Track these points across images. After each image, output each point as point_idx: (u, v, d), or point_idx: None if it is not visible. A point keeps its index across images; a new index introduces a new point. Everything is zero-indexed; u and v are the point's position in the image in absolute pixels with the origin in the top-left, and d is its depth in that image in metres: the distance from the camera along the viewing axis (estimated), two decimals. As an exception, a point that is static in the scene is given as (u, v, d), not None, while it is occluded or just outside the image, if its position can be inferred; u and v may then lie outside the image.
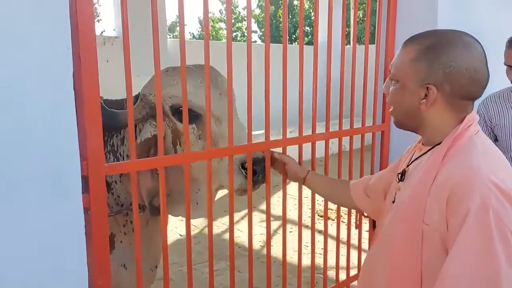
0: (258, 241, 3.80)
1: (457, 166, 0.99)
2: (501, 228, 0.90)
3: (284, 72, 1.59)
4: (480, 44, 1.06)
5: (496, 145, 1.97)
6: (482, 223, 0.91)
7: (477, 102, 2.08)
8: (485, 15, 2.19)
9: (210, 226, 1.47)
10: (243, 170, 1.54)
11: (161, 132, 1.31)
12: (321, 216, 4.41)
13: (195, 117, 1.53)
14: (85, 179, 1.13)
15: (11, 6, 0.91)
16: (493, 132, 1.98)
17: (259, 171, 1.55)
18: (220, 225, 4.31)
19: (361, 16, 13.99)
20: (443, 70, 1.01)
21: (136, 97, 1.56)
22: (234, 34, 22.19)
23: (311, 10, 20.03)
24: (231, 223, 1.56)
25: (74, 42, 1.07)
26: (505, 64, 1.86)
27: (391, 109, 1.15)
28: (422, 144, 1.14)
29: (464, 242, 0.92)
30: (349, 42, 8.47)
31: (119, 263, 1.66)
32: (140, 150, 1.48)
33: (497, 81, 2.02)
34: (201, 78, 1.52)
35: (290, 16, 17.71)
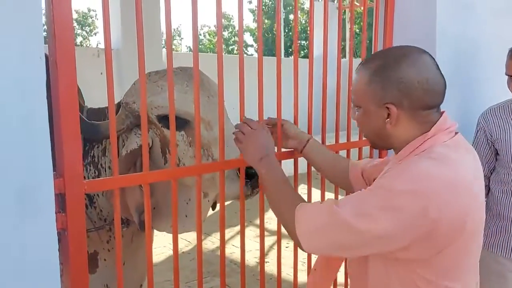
0: (253, 257, 3.70)
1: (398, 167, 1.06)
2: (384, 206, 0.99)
3: (278, 85, 1.51)
4: (429, 54, 1.10)
5: (497, 159, 1.92)
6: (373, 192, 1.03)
7: (474, 113, 2.06)
8: (484, 25, 2.14)
9: (199, 242, 1.38)
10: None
11: (146, 145, 1.22)
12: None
13: (183, 123, 1.44)
14: (61, 197, 1.05)
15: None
16: (494, 146, 1.90)
17: (256, 174, 1.44)
18: (215, 240, 4.21)
19: (357, 31, 14.04)
20: (396, 87, 1.06)
21: (118, 105, 1.48)
22: (231, 47, 22.29)
23: (307, 24, 20.17)
24: (222, 239, 1.47)
25: (52, 52, 1.00)
26: (506, 74, 1.79)
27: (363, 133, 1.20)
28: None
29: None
30: (345, 55, 8.46)
31: (103, 283, 1.57)
32: (125, 163, 1.39)
33: (498, 92, 1.97)
34: (187, 81, 1.44)
35: (287, 30, 17.80)
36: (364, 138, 1.88)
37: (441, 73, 1.10)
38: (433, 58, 1.10)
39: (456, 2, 1.99)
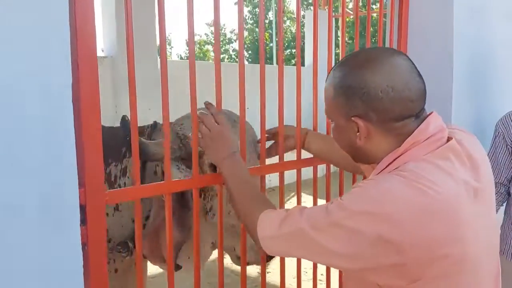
0: (254, 267, 3.62)
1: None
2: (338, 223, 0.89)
3: (262, 92, 1.42)
4: (403, 56, 0.97)
5: None
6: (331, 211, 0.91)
7: (489, 120, 2.03)
8: (499, 28, 2.13)
9: (196, 255, 1.31)
10: None
11: (168, 153, 1.16)
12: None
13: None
14: (82, 209, 0.98)
15: (10, 12, 0.78)
16: None
17: None
18: (214, 251, 4.12)
19: (347, 39, 14.13)
20: (359, 99, 0.94)
21: (153, 125, 1.42)
22: (222, 56, 22.28)
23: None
24: (220, 250, 1.42)
25: (73, 55, 0.94)
26: None
27: None
28: None
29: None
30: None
31: None
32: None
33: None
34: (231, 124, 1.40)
35: (277, 39, 17.85)
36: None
37: (418, 76, 0.95)
38: (409, 60, 0.96)
39: (471, 5, 1.96)
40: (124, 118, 1.32)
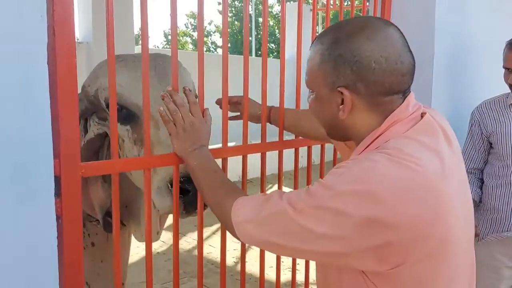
0: (231, 257, 3.61)
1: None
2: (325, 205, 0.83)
3: (245, 83, 1.36)
4: (396, 28, 0.90)
5: (491, 153, 1.92)
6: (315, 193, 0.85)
7: (467, 107, 2.07)
8: (480, 19, 2.15)
9: (175, 242, 1.24)
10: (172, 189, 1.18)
11: (115, 134, 1.07)
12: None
13: (129, 116, 1.26)
14: (56, 181, 0.93)
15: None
16: (488, 140, 1.90)
17: (193, 191, 1.18)
18: (191, 240, 4.09)
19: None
20: (350, 68, 0.87)
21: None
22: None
23: (275, 28, 20.32)
24: (200, 239, 1.30)
25: (49, 13, 0.89)
26: (504, 67, 1.80)
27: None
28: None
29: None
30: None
31: None
32: (85, 151, 1.26)
33: (493, 85, 1.98)
34: (153, 72, 1.26)
35: (256, 33, 17.84)
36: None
37: (409, 50, 0.90)
38: (401, 33, 0.91)
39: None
40: None
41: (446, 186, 0.85)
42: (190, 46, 22.43)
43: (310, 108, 0.99)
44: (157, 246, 3.91)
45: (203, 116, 1.20)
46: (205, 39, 22.45)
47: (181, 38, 22.95)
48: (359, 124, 0.92)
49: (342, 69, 0.88)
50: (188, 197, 1.18)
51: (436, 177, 0.84)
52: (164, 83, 1.24)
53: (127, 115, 1.26)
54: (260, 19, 18.51)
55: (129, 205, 1.41)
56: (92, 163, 1.02)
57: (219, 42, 21.86)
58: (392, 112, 0.90)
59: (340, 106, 0.90)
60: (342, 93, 0.89)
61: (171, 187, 1.16)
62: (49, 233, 0.86)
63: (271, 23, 16.70)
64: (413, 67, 0.91)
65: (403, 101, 0.91)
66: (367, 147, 0.91)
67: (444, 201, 0.84)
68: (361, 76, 0.87)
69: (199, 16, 1.24)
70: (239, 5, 22.01)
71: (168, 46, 21.91)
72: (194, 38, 22.15)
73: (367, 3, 1.92)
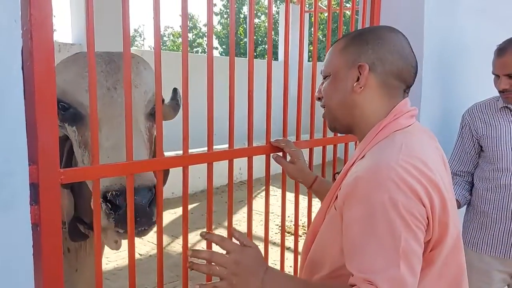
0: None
1: (366, 162, 0.96)
2: (407, 218, 0.88)
3: (231, 84, 1.36)
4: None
5: (481, 156, 1.91)
6: (391, 218, 0.87)
7: (457, 109, 2.06)
8: (469, 22, 2.15)
9: (159, 244, 1.22)
10: (104, 204, 1.06)
11: (95, 138, 1.02)
12: (289, 233, 4.26)
13: (75, 116, 1.18)
14: (34, 187, 0.92)
15: None
16: (478, 142, 1.89)
17: (124, 208, 1.05)
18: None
19: (320, 37, 14.26)
20: (372, 48, 1.03)
21: None
22: (195, 49, 22.06)
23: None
24: (185, 240, 1.29)
25: (24, 17, 0.87)
26: (493, 73, 1.79)
27: (323, 111, 1.12)
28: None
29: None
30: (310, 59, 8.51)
31: None
32: None
33: (483, 88, 1.97)
34: (104, 67, 1.20)
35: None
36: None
37: (413, 53, 1.08)
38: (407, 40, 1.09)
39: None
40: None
41: (441, 183, 0.95)
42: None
43: (325, 94, 1.09)
44: (149, 249, 3.89)
45: (239, 241, 1.04)
46: (200, 40, 22.43)
47: (177, 39, 22.90)
48: (365, 105, 1.04)
49: (364, 49, 1.03)
50: (118, 215, 1.05)
51: (434, 172, 0.95)
52: (111, 80, 1.19)
53: (73, 115, 1.19)
54: (257, 20, 18.50)
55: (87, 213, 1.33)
56: (72, 170, 1.00)
57: (215, 43, 21.85)
58: (395, 106, 1.03)
59: (355, 84, 1.03)
60: (360, 68, 1.02)
61: (103, 201, 1.06)
62: (24, 243, 0.83)
63: (267, 25, 16.66)
64: (416, 70, 1.07)
65: (403, 98, 1.06)
66: (373, 138, 1.01)
67: (443, 197, 0.95)
68: (380, 54, 1.02)
69: (183, 17, 1.23)
70: (235, 6, 21.99)
71: (163, 48, 21.84)
72: (189, 39, 22.08)
73: (357, 6, 1.91)
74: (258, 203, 5.00)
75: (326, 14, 8.57)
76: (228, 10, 22.08)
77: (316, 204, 1.45)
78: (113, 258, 3.64)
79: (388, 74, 1.02)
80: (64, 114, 1.21)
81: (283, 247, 1.70)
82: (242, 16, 19.18)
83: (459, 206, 1.90)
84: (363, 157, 1.00)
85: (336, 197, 1.01)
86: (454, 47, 2.09)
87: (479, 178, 1.89)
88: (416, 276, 0.89)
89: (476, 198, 1.89)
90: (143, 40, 25.09)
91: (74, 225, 1.32)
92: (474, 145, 1.90)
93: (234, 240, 1.06)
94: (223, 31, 21.05)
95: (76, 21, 5.75)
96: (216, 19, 21.03)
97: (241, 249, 1.01)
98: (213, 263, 0.99)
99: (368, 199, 0.90)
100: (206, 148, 1.30)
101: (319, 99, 1.14)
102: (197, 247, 3.90)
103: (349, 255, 0.92)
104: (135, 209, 1.04)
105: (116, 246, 1.22)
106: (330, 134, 1.74)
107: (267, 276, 0.98)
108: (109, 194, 1.05)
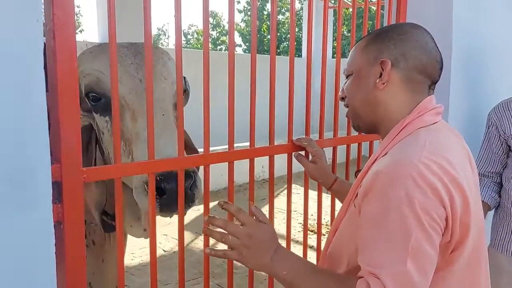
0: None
1: (388, 159, 0.94)
2: (422, 218, 0.86)
3: (252, 81, 1.33)
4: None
5: (510, 156, 1.84)
6: (404, 215, 0.85)
7: (486, 107, 1.99)
8: (497, 19, 2.08)
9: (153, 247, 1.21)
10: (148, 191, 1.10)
11: (117, 134, 1.02)
12: (312, 231, 4.23)
13: (108, 106, 1.14)
14: (58, 186, 0.93)
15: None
16: (506, 143, 1.82)
17: (171, 192, 1.09)
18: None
19: (345, 32, 14.10)
20: (394, 44, 1.01)
21: None
22: (219, 47, 22.17)
23: (296, 24, 20.17)
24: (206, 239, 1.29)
25: (47, 17, 0.88)
26: None
27: (347, 111, 1.11)
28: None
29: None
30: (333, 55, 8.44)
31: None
32: None
33: (510, 86, 1.90)
34: (133, 57, 1.20)
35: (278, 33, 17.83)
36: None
37: (438, 48, 1.05)
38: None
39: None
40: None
41: (465, 183, 0.92)
42: (210, 45, 22.50)
43: (348, 92, 1.08)
44: (173, 245, 3.93)
45: (254, 217, 1.04)
46: (223, 38, 22.50)
47: (200, 37, 23.07)
48: (389, 101, 1.01)
49: (386, 45, 1.01)
50: (163, 199, 1.10)
51: (459, 172, 0.93)
52: (141, 71, 1.20)
53: (106, 105, 1.17)
54: (280, 17, 18.45)
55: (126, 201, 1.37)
56: (94, 168, 1.01)
57: (238, 40, 21.91)
58: (419, 103, 1.00)
59: (378, 80, 1.01)
60: (382, 64, 1.00)
61: (147, 187, 1.09)
62: (47, 241, 0.84)
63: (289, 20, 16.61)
64: (442, 64, 1.04)
65: (428, 95, 1.03)
66: (397, 135, 0.98)
67: (468, 197, 0.92)
68: (402, 49, 1.00)
69: (205, 14, 1.22)
70: (258, 3, 21.97)
71: (187, 46, 22.03)
72: (212, 37, 22.23)
73: (382, 1, 1.87)
74: (282, 201, 4.98)
75: (350, 10, 8.47)
76: (251, 7, 22.11)
77: (339, 202, 1.43)
78: (138, 254, 3.69)
79: (411, 69, 1.00)
80: (95, 105, 1.21)
81: (305, 246, 1.68)
82: (265, 13, 19.15)
83: (488, 209, 1.84)
84: (385, 154, 0.98)
85: (357, 195, 1.00)
86: (483, 44, 2.03)
87: (507, 179, 1.82)
88: (426, 276, 0.87)
89: (505, 199, 1.82)
90: (167, 38, 25.38)
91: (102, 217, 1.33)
92: (502, 145, 1.84)
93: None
94: (247, 28, 21.05)
95: (102, 20, 5.84)
96: (239, 16, 21.08)
97: (256, 224, 1.02)
98: (226, 232, 1.00)
99: (385, 194, 0.88)
100: (227, 146, 1.30)
101: (342, 98, 1.12)
102: (217, 247, 3.91)
103: (360, 248, 0.92)
104: (166, 196, 1.10)
105: (146, 234, 1.24)
106: (354, 132, 1.71)
107: (276, 255, 0.99)
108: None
